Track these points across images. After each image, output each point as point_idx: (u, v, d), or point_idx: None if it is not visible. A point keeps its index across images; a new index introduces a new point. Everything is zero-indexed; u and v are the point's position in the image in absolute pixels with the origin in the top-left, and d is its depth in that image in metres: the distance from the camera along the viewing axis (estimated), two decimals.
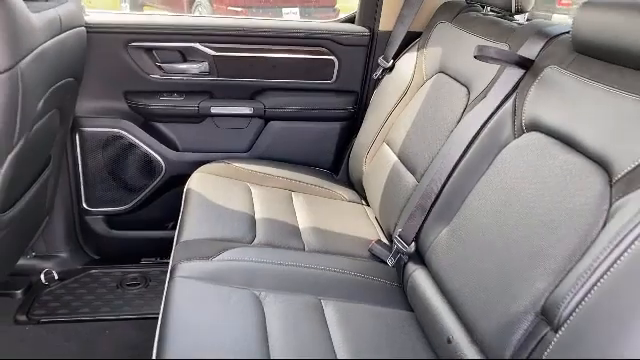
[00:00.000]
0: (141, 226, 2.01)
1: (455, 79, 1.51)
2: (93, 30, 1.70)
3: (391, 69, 1.84)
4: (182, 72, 1.87)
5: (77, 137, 1.86)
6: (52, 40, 1.28)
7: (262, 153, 1.99)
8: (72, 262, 1.99)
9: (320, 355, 1.06)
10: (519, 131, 1.13)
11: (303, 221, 1.61)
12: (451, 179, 1.25)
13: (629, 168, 0.83)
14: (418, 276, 1.26)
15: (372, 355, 1.09)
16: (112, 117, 1.87)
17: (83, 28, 1.58)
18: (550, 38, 1.18)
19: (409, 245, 1.30)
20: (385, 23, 1.89)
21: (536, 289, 0.90)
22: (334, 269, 1.37)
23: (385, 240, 1.56)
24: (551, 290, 0.86)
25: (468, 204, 1.18)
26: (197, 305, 1.13)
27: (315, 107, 1.97)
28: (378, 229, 1.66)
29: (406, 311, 1.27)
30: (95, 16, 1.76)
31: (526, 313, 0.90)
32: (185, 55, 1.86)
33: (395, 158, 1.63)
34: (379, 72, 1.88)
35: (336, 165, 2.04)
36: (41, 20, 1.20)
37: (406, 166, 1.55)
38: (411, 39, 1.81)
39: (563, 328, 0.80)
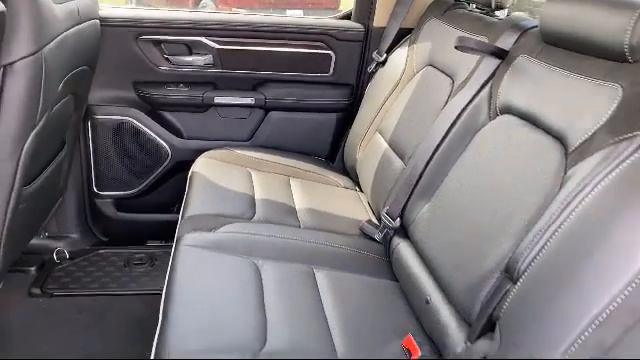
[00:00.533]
0: (148, 209, 2.13)
1: (442, 71, 1.62)
2: (106, 23, 1.83)
3: (384, 63, 1.96)
4: (188, 64, 1.99)
5: (89, 124, 1.98)
6: (71, 30, 1.40)
7: (262, 142, 2.11)
8: (82, 243, 2.11)
9: (311, 315, 1.17)
10: (494, 114, 1.25)
11: (299, 202, 1.73)
12: (433, 160, 1.37)
13: (581, 141, 0.95)
14: (402, 248, 1.37)
15: (358, 317, 1.20)
16: (122, 106, 2.00)
17: (97, 21, 1.71)
18: (523, 31, 1.30)
19: (395, 221, 1.42)
20: (379, 19, 2.01)
21: (502, 250, 1.01)
22: (326, 243, 1.48)
23: (375, 221, 1.67)
24: (513, 250, 0.97)
25: (447, 182, 1.29)
26: (201, 270, 1.25)
27: (313, 98, 2.09)
28: (369, 212, 1.78)
29: (391, 281, 1.39)
30: (108, 10, 1.89)
31: (492, 272, 1.02)
32: (191, 48, 1.98)
33: (386, 145, 1.75)
34: (373, 66, 2.00)
35: (332, 153, 2.16)
36: (63, 11, 1.32)
37: (395, 152, 1.67)
38: (403, 35, 1.93)
39: (520, 281, 0.92)
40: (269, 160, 1.98)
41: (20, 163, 1.28)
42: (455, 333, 1.07)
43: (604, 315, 0.77)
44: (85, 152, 2.01)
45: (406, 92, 1.78)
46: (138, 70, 1.96)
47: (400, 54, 1.90)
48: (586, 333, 0.78)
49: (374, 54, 2.01)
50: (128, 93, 1.99)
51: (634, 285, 0.75)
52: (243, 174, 1.84)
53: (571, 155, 0.96)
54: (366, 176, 1.82)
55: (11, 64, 1.16)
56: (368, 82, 2.03)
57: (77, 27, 1.45)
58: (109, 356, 1.58)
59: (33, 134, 1.29)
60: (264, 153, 2.02)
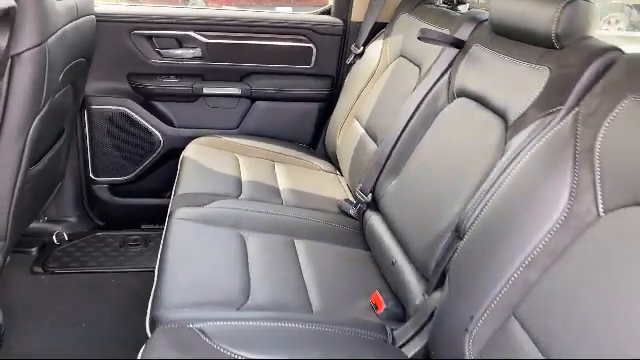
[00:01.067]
0: (142, 194, 2.26)
1: (411, 61, 1.77)
2: (101, 19, 1.96)
3: (361, 55, 2.11)
4: (178, 57, 2.13)
5: (86, 114, 2.11)
6: (70, 24, 1.54)
7: (249, 129, 2.25)
8: (80, 226, 2.24)
9: (290, 276, 1.32)
10: (451, 98, 1.40)
11: (283, 183, 1.88)
12: (400, 141, 1.52)
13: (517, 116, 1.10)
14: (373, 219, 1.52)
15: (332, 279, 1.35)
16: (117, 96, 2.13)
17: (93, 16, 1.84)
18: (478, 23, 1.45)
19: (367, 196, 1.57)
20: (356, 15, 2.16)
21: (453, 213, 1.17)
22: (306, 218, 1.63)
23: (352, 200, 1.82)
24: (464, 204, 1.12)
25: (411, 159, 1.45)
26: (191, 239, 1.39)
27: (296, 89, 2.23)
28: (348, 192, 1.93)
29: (364, 250, 1.54)
30: (103, 7, 2.02)
31: (445, 232, 1.17)
32: (181, 42, 2.12)
33: (362, 131, 1.90)
34: (351, 58, 2.15)
35: (314, 140, 2.30)
36: (63, 7, 1.46)
37: (370, 136, 1.82)
38: (378, 28, 2.08)
39: (465, 237, 1.07)
40: (255, 146, 2.12)
41: (26, 145, 1.42)
42: (415, 288, 1.22)
43: (529, 259, 0.92)
44: (82, 140, 2.15)
45: (380, 81, 1.92)
46: (131, 63, 2.10)
47: (375, 47, 2.05)
48: (515, 275, 0.93)
49: (352, 47, 2.15)
50: (122, 84, 2.13)
51: (553, 232, 0.91)
52: (231, 159, 1.98)
53: (510, 129, 1.11)
54: (344, 160, 1.97)
55: (18, 54, 1.29)
56: (347, 73, 2.18)
57: (75, 22, 1.59)
58: (108, 323, 1.71)
59: (37, 119, 1.43)
60: (250, 140, 2.16)
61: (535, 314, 0.88)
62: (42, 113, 1.45)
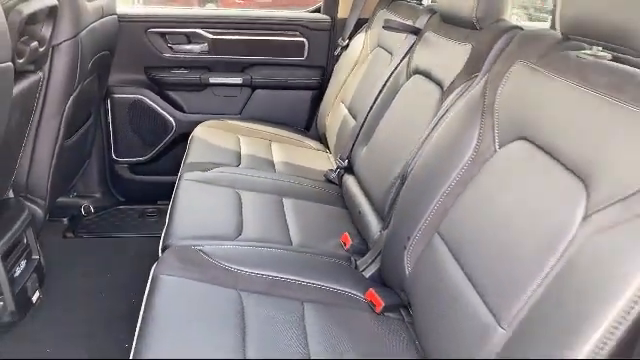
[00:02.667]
0: (157, 173, 2.58)
1: (385, 49, 2.07)
2: (122, 19, 2.29)
3: (347, 47, 2.42)
4: (187, 51, 2.46)
5: (109, 102, 2.44)
6: (98, 21, 1.86)
7: (250, 115, 2.56)
8: (104, 201, 2.57)
9: (276, 220, 1.61)
10: (409, 76, 1.69)
11: (277, 157, 2.18)
12: (369, 114, 1.81)
13: (449, 84, 1.39)
14: (348, 180, 1.82)
15: (311, 223, 1.64)
16: (135, 86, 2.46)
17: (116, 16, 2.17)
18: (433, 13, 1.74)
19: (344, 162, 1.86)
20: (342, 12, 2.47)
21: (404, 161, 1.45)
22: (295, 182, 1.93)
23: None
24: (410, 157, 1.41)
25: (378, 129, 1.74)
26: (195, 193, 1.70)
27: (291, 78, 2.54)
28: (334, 166, 2.22)
29: (341, 208, 1.83)
30: (123, 8, 2.36)
31: (396, 180, 1.46)
32: (190, 38, 2.45)
33: (346, 111, 2.19)
34: (338, 50, 2.45)
35: (308, 123, 2.61)
36: (92, 7, 1.78)
37: (352, 115, 2.11)
38: (361, 24, 2.38)
39: (406, 182, 1.36)
40: (255, 129, 2.43)
41: (62, 121, 1.74)
42: (374, 227, 1.51)
43: (448, 189, 1.20)
44: (105, 125, 2.48)
45: (361, 69, 2.22)
46: (148, 57, 2.43)
47: (358, 39, 2.35)
48: (438, 202, 1.21)
49: (339, 40, 2.46)
50: (140, 76, 2.46)
51: (465, 168, 1.18)
52: (233, 138, 2.29)
53: (444, 94, 1.40)
54: (331, 137, 2.27)
55: (58, 45, 1.62)
56: (335, 63, 2.48)
57: (102, 20, 1.92)
58: (128, 274, 2.02)
59: (71, 99, 1.76)
60: (251, 123, 2.47)
61: (451, 229, 1.17)
62: (75, 94, 1.77)
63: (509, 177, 1.08)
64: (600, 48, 1.00)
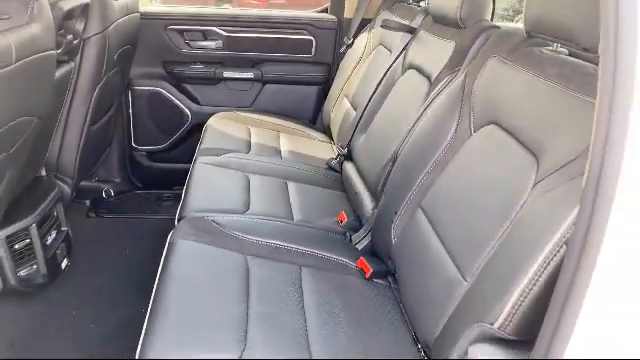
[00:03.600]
0: (174, 160, 2.76)
1: (386, 47, 2.23)
2: (144, 17, 2.48)
3: (351, 45, 2.58)
4: (203, 48, 2.64)
5: (130, 93, 2.64)
6: (122, 18, 2.05)
7: (261, 108, 2.74)
8: (123, 186, 2.75)
9: (280, 199, 1.78)
10: (404, 71, 1.85)
11: (284, 147, 2.35)
12: (368, 106, 1.98)
13: (435, 76, 1.55)
14: (347, 166, 1.99)
15: (312, 203, 1.81)
16: (154, 79, 2.65)
17: (138, 14, 2.36)
18: (427, 14, 1.90)
19: (344, 149, 2.03)
20: (348, 12, 2.64)
21: (395, 146, 1.61)
22: (299, 168, 2.10)
23: None
24: (400, 142, 1.57)
25: (376, 119, 1.90)
26: (208, 175, 1.88)
27: (299, 74, 2.71)
28: None
29: (341, 192, 1.99)
30: (145, 7, 2.55)
31: (388, 163, 1.62)
32: (206, 35, 2.63)
33: (349, 105, 2.36)
34: (343, 48, 2.62)
35: (314, 116, 2.78)
36: (118, 5, 1.97)
37: (354, 108, 2.28)
38: (365, 23, 2.55)
39: (396, 163, 1.52)
40: (265, 120, 2.60)
41: (90, 107, 1.93)
42: (368, 205, 1.68)
43: (430, 169, 1.36)
44: (126, 115, 2.67)
45: (364, 65, 2.38)
46: (166, 52, 2.62)
47: (362, 38, 2.51)
48: (422, 180, 1.37)
49: (345, 39, 2.63)
50: (159, 70, 2.65)
51: (445, 150, 1.34)
52: (244, 128, 2.47)
53: (431, 85, 1.57)
54: (335, 129, 2.43)
55: (88, 38, 1.81)
56: (340, 60, 2.64)
57: (126, 17, 2.11)
58: (145, 249, 2.20)
59: (98, 87, 1.94)
60: (261, 115, 2.65)
61: (431, 203, 1.33)
62: (101, 84, 1.96)
63: (479, 156, 1.24)
64: (559, 45, 1.16)
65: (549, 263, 0.83)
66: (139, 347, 1.06)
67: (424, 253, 1.26)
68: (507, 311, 0.87)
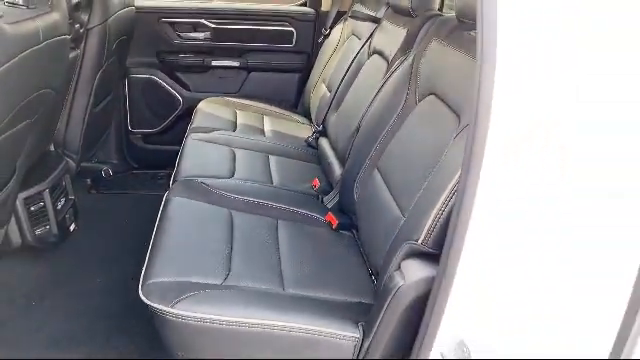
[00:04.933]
0: (166, 143, 3.00)
1: (357, 37, 2.49)
2: (139, 10, 2.72)
3: (328, 35, 2.84)
4: (193, 38, 2.89)
5: (126, 81, 2.88)
6: (121, 11, 2.30)
7: (246, 93, 2.99)
8: (120, 167, 2.99)
9: (262, 169, 2.04)
10: (369, 56, 2.12)
11: (267, 127, 2.60)
12: (340, 88, 2.24)
13: (391, 58, 1.81)
14: (322, 142, 2.25)
15: (289, 171, 2.07)
16: (148, 68, 2.89)
17: (133, 7, 2.60)
18: (389, 6, 2.16)
19: (319, 126, 2.29)
20: (325, 6, 2.90)
21: (358, 121, 1.87)
22: (280, 145, 2.36)
23: None
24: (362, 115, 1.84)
25: (346, 99, 2.17)
26: (197, 149, 2.13)
27: (281, 62, 2.97)
28: None
29: (316, 165, 2.25)
30: (140, 1, 2.79)
31: (353, 133, 1.88)
32: (195, 27, 2.88)
33: (325, 88, 2.62)
34: (321, 38, 2.88)
35: (295, 101, 3.04)
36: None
37: (328, 90, 2.54)
38: (340, 15, 2.81)
39: (358, 132, 1.78)
40: (250, 105, 2.85)
41: (92, 91, 2.17)
42: (337, 171, 1.94)
43: (384, 135, 1.63)
44: (123, 101, 2.91)
45: (339, 53, 2.65)
46: (159, 43, 2.86)
47: (337, 29, 2.77)
48: (377, 145, 1.63)
49: (322, 30, 2.88)
50: (152, 59, 2.89)
51: (395, 119, 1.61)
52: (231, 111, 2.72)
53: (389, 66, 1.83)
54: (313, 111, 2.69)
55: (91, 28, 2.05)
56: (318, 50, 2.90)
57: (123, 10, 2.35)
58: (142, 221, 2.45)
59: (99, 73, 2.19)
60: (247, 100, 2.90)
61: (384, 163, 1.59)
62: (101, 70, 2.21)
63: (421, 121, 1.51)
64: None
65: (455, 191, 1.10)
66: (142, 275, 1.31)
67: (377, 203, 1.52)
68: (427, 229, 1.14)
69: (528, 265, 0.93)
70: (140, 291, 1.24)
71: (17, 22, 1.13)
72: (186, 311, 1.17)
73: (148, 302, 1.20)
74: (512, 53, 0.85)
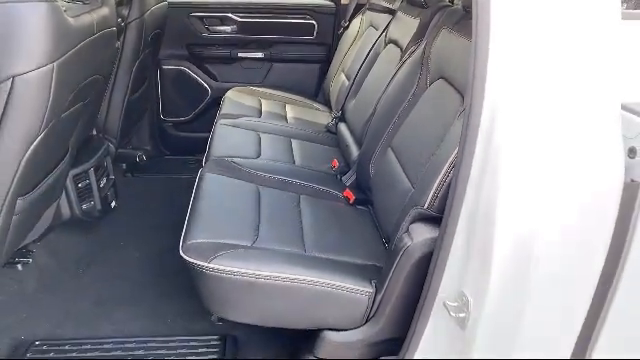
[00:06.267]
0: (196, 130, 3.19)
1: (375, 28, 2.64)
2: (171, 5, 2.91)
3: (347, 27, 2.99)
4: (220, 32, 3.07)
5: (159, 72, 3.08)
6: (155, 7, 2.49)
7: (270, 83, 3.17)
8: (153, 153, 3.20)
9: (285, 152, 2.21)
10: (385, 45, 2.26)
11: (290, 114, 2.78)
12: (358, 76, 2.39)
13: (404, 47, 1.96)
14: (341, 127, 2.41)
15: (310, 152, 2.23)
16: (179, 60, 3.09)
17: (166, 3, 2.80)
18: None
19: (339, 112, 2.45)
20: None
21: (375, 103, 2.03)
22: (302, 129, 2.53)
23: None
24: (377, 100, 1.99)
25: (363, 86, 2.32)
26: (228, 133, 2.31)
27: (303, 53, 3.14)
28: None
29: (335, 147, 2.41)
30: None
31: (370, 117, 2.04)
32: (222, 21, 3.06)
33: (344, 78, 2.77)
34: (341, 30, 3.03)
35: (316, 90, 3.20)
36: None
37: (347, 78, 2.69)
38: (359, 8, 2.96)
39: (375, 114, 1.94)
40: (274, 94, 3.03)
41: (131, 79, 2.37)
42: (354, 153, 2.10)
43: (397, 118, 1.78)
44: (156, 90, 3.11)
45: (358, 44, 2.80)
46: (189, 36, 3.06)
47: (357, 21, 2.92)
48: (390, 127, 1.79)
49: (342, 22, 3.04)
50: (183, 51, 3.09)
51: (408, 101, 1.76)
52: (256, 100, 2.90)
53: (403, 54, 1.98)
54: (333, 99, 2.85)
55: (130, 22, 2.24)
56: (338, 41, 3.06)
57: (157, 5, 2.54)
58: (176, 202, 2.64)
59: (136, 64, 2.38)
60: (270, 89, 3.07)
61: (397, 142, 1.75)
62: (138, 61, 2.40)
63: (431, 103, 1.66)
64: None
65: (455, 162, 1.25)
66: (182, 237, 1.48)
67: (390, 177, 1.68)
68: (431, 195, 1.30)
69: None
70: (180, 250, 1.41)
71: (77, 16, 1.32)
72: (221, 265, 1.34)
73: (188, 258, 1.38)
74: (503, 35, 1.00)
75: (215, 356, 1.69)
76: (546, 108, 1.02)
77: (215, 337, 1.76)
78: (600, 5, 1.02)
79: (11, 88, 1.13)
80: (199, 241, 1.44)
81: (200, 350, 1.72)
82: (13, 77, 1.12)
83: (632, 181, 1.06)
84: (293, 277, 1.34)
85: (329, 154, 2.30)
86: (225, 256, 1.37)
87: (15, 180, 1.26)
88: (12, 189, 1.27)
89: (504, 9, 0.99)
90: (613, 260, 1.11)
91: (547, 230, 1.04)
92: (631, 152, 1.09)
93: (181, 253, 1.40)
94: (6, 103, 1.14)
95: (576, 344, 1.17)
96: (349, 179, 2.03)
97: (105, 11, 1.52)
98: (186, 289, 1.71)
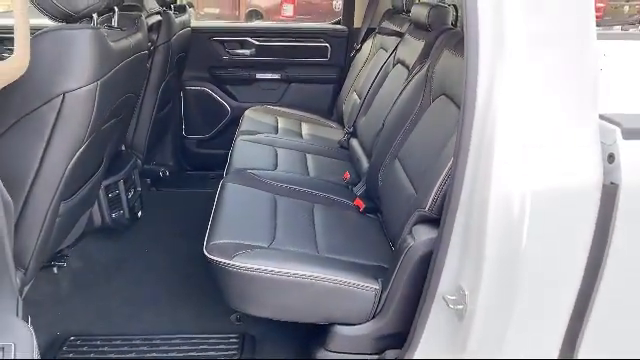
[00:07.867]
0: (217, 147, 3.37)
1: (385, 50, 2.81)
2: (194, 31, 3.12)
3: (359, 50, 3.17)
4: (240, 55, 3.27)
5: (182, 93, 3.28)
6: (180, 32, 2.69)
7: (287, 103, 3.34)
8: (175, 168, 3.37)
9: (301, 166, 2.36)
10: (394, 65, 2.42)
11: (305, 131, 2.94)
12: (369, 94, 2.55)
13: (411, 66, 2.12)
14: (353, 142, 2.56)
15: (323, 166, 2.38)
16: (201, 81, 3.29)
17: (190, 28, 3.00)
18: (411, 22, 2.47)
19: (350, 128, 2.61)
20: (357, 23, 3.23)
21: (383, 118, 2.18)
22: (316, 145, 2.68)
23: None
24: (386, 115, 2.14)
25: (373, 103, 2.48)
26: (247, 148, 2.47)
27: (317, 74, 3.32)
28: None
29: (347, 162, 2.56)
30: (195, 23, 3.19)
31: (378, 132, 2.18)
32: (242, 44, 3.26)
33: (356, 97, 2.93)
34: (353, 52, 3.21)
35: (330, 109, 3.37)
36: (179, 20, 2.61)
37: (359, 97, 2.85)
38: (370, 31, 3.13)
39: (383, 129, 2.09)
40: (290, 112, 3.20)
41: (158, 97, 2.56)
42: (364, 165, 2.25)
43: (402, 133, 1.92)
44: (179, 110, 3.31)
45: (369, 65, 2.97)
46: (211, 59, 3.26)
47: (368, 44, 3.10)
48: (397, 140, 1.93)
49: (354, 45, 3.22)
50: (205, 74, 3.29)
51: (413, 116, 1.90)
52: (273, 118, 3.07)
53: (409, 74, 2.13)
54: (345, 117, 3.01)
55: (158, 46, 2.44)
56: (351, 63, 3.23)
57: (182, 30, 2.75)
58: (198, 212, 2.80)
59: (163, 84, 2.58)
60: (287, 109, 3.25)
61: (403, 154, 1.89)
62: (165, 81, 2.59)
63: (433, 117, 1.80)
64: None
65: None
66: (205, 239, 1.63)
67: (397, 185, 1.82)
68: (432, 199, 1.43)
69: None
70: (205, 250, 1.55)
71: (117, 40, 1.50)
72: (242, 263, 1.48)
73: (211, 257, 1.52)
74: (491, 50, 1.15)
75: (234, 352, 1.82)
76: (532, 117, 1.16)
77: (234, 335, 1.89)
78: (580, 27, 1.16)
79: (62, 103, 1.31)
80: (221, 242, 1.58)
81: (220, 347, 1.85)
82: (64, 93, 1.30)
83: (612, 183, 1.19)
84: (307, 274, 1.47)
85: (341, 167, 2.45)
86: (245, 255, 1.51)
87: (61, 185, 1.43)
88: (58, 192, 1.44)
89: (492, 31, 1.14)
90: (596, 257, 1.23)
91: (533, 226, 1.17)
92: (610, 157, 1.21)
93: (205, 252, 1.54)
94: (57, 116, 1.32)
95: (566, 331, 1.29)
96: (360, 189, 2.17)
97: (139, 36, 1.71)
98: (207, 292, 1.87)
